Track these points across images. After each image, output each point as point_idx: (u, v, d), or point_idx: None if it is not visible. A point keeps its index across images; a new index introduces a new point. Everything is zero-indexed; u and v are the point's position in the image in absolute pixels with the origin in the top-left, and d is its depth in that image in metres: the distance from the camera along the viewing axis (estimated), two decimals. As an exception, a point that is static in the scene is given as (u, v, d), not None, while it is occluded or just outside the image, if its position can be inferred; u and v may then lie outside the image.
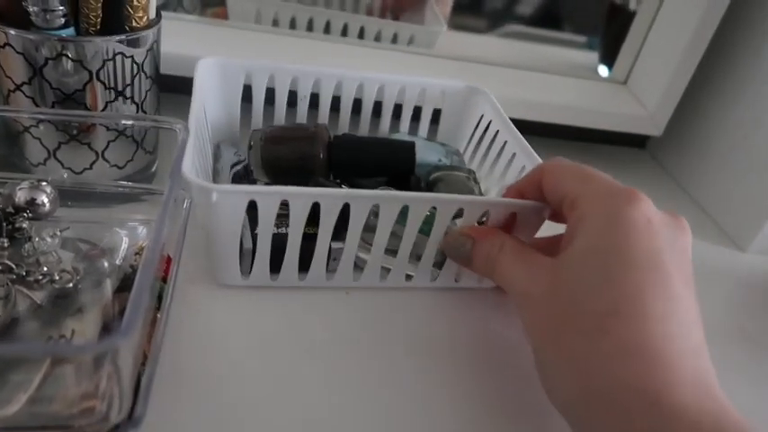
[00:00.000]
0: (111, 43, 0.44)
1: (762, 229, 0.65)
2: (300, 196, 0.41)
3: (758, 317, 0.56)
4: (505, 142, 0.54)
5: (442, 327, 0.47)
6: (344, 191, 0.42)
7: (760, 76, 0.68)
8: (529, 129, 0.57)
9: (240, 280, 0.45)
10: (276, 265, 0.45)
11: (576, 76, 0.79)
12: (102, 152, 0.48)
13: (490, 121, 0.57)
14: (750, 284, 0.61)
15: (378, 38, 0.77)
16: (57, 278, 0.36)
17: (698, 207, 0.73)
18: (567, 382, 0.33)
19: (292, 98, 0.58)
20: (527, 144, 0.51)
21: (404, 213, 0.44)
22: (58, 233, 0.39)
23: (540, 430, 0.41)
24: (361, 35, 0.76)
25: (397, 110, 0.61)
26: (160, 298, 0.37)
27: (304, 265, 0.46)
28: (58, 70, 0.44)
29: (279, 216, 0.43)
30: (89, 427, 0.29)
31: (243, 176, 0.53)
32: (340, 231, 0.44)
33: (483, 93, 0.59)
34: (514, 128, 0.53)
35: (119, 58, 0.45)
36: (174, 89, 0.57)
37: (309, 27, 0.76)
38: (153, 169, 0.54)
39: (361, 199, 0.42)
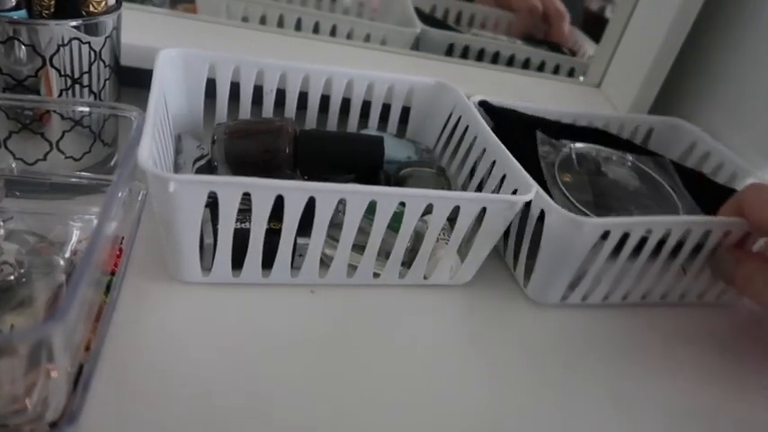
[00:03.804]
0: (66, 28, 0.43)
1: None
2: (263, 188, 0.39)
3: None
4: (475, 138, 0.53)
5: (410, 325, 0.45)
6: (310, 183, 0.40)
7: (728, 83, 0.69)
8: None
9: (200, 276, 0.43)
10: (239, 261, 0.43)
11: (551, 78, 0.79)
12: (57, 143, 0.46)
13: (459, 117, 0.56)
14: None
15: (350, 37, 0.76)
16: (-3, 270, 0.34)
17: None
18: None
19: (259, 95, 0.56)
20: (497, 140, 0.50)
21: (372, 209, 0.43)
22: (1, 223, 0.37)
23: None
24: (333, 34, 0.75)
25: (366, 108, 0.59)
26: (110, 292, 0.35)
27: (268, 261, 0.44)
28: (9, 55, 0.42)
29: (242, 211, 0.42)
30: (24, 425, 0.27)
31: (206, 172, 0.51)
32: (306, 227, 0.43)
33: (452, 89, 0.58)
34: (484, 123, 0.52)
35: (74, 43, 0.43)
36: (138, 84, 0.55)
37: (280, 25, 0.74)
38: (112, 163, 0.51)
39: (327, 193, 0.41)
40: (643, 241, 0.48)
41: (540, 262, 0.48)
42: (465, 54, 0.84)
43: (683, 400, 0.45)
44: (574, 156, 0.58)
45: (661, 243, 0.49)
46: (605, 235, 0.46)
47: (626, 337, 0.50)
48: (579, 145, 0.59)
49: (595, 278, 0.50)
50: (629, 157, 0.61)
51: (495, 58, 0.85)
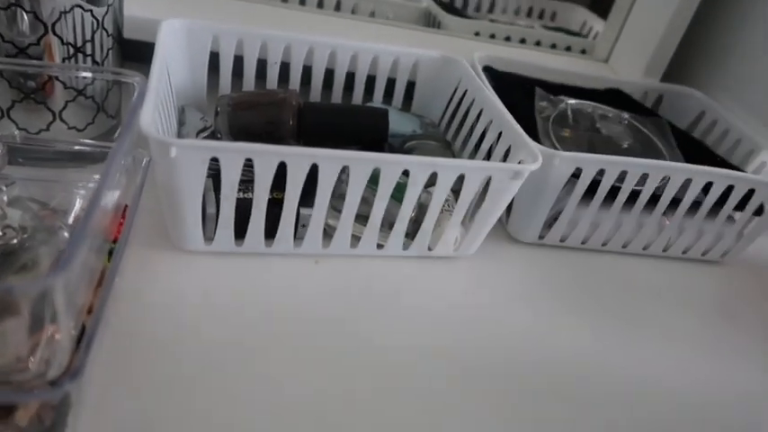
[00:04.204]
0: (68, -5, 0.42)
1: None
2: (265, 154, 0.39)
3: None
4: (481, 110, 0.52)
5: (414, 295, 0.45)
6: (312, 149, 0.40)
7: (736, 61, 0.68)
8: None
9: (203, 245, 0.43)
10: (242, 231, 0.43)
11: (558, 54, 0.79)
12: (60, 113, 0.46)
13: (466, 91, 0.55)
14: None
15: (355, 12, 0.75)
16: (0, 234, 0.34)
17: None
18: None
19: (263, 69, 0.56)
20: (504, 111, 0.49)
21: (375, 179, 0.42)
22: (4, 189, 0.36)
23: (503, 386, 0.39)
24: (337, 9, 0.75)
25: (370, 84, 0.59)
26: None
27: (271, 231, 0.44)
28: (11, 22, 0.42)
29: (245, 182, 0.41)
30: (27, 383, 0.27)
31: (210, 144, 0.51)
32: (309, 197, 0.42)
33: (458, 62, 0.57)
34: (490, 94, 0.52)
35: (77, 11, 0.43)
36: (141, 59, 0.54)
37: None
38: (116, 135, 0.51)
39: (330, 159, 0.40)
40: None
41: (518, 197, 0.49)
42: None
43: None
44: (570, 111, 0.59)
45: (640, 192, 0.50)
46: (579, 174, 0.47)
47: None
48: (576, 101, 0.60)
49: (572, 219, 0.51)
50: (626, 115, 0.61)
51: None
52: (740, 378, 0.45)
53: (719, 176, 0.49)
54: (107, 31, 0.46)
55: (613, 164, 0.47)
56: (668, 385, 0.43)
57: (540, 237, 0.52)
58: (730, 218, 0.55)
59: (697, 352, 0.47)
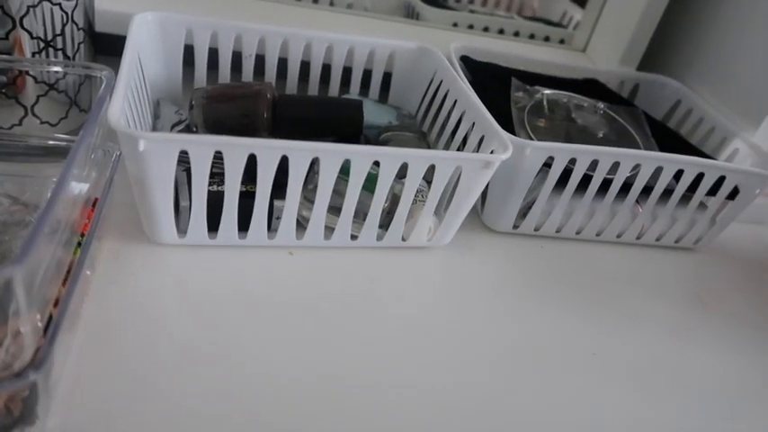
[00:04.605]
0: (35, -12, 0.42)
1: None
2: (235, 147, 0.39)
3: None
4: (456, 101, 0.52)
5: (389, 286, 0.46)
6: (282, 141, 0.40)
7: (711, 50, 0.69)
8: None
9: (176, 238, 0.43)
10: (217, 224, 0.43)
11: (536, 44, 0.79)
12: (32, 107, 0.46)
13: (441, 82, 0.56)
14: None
15: (332, 4, 0.75)
16: (-32, 228, 0.34)
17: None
18: None
19: (238, 62, 0.56)
20: (477, 101, 0.50)
21: (348, 171, 0.43)
22: (-29, 183, 0.37)
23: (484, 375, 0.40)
24: (315, 1, 0.75)
25: (347, 76, 0.59)
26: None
27: (246, 224, 0.44)
28: (-22, 17, 0.42)
29: (219, 174, 0.42)
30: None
31: (185, 137, 0.51)
32: (283, 189, 0.43)
33: (434, 53, 0.58)
34: (464, 85, 0.52)
35: (45, 5, 0.43)
36: (116, 53, 0.54)
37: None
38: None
39: (300, 151, 0.41)
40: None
41: (491, 187, 0.50)
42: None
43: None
44: (545, 102, 0.59)
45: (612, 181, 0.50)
46: (551, 164, 0.48)
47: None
48: (551, 91, 0.61)
49: (545, 209, 0.51)
50: (601, 105, 0.62)
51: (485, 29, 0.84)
52: (714, 363, 0.46)
53: (689, 164, 0.50)
54: (77, 25, 0.46)
55: (584, 153, 0.47)
56: (643, 372, 0.44)
57: (515, 226, 0.52)
58: (703, 205, 0.55)
59: (671, 338, 0.47)
